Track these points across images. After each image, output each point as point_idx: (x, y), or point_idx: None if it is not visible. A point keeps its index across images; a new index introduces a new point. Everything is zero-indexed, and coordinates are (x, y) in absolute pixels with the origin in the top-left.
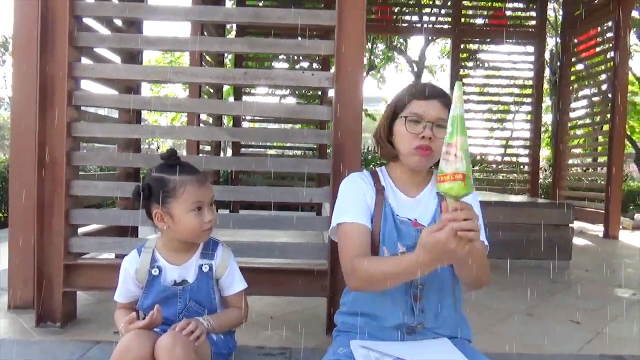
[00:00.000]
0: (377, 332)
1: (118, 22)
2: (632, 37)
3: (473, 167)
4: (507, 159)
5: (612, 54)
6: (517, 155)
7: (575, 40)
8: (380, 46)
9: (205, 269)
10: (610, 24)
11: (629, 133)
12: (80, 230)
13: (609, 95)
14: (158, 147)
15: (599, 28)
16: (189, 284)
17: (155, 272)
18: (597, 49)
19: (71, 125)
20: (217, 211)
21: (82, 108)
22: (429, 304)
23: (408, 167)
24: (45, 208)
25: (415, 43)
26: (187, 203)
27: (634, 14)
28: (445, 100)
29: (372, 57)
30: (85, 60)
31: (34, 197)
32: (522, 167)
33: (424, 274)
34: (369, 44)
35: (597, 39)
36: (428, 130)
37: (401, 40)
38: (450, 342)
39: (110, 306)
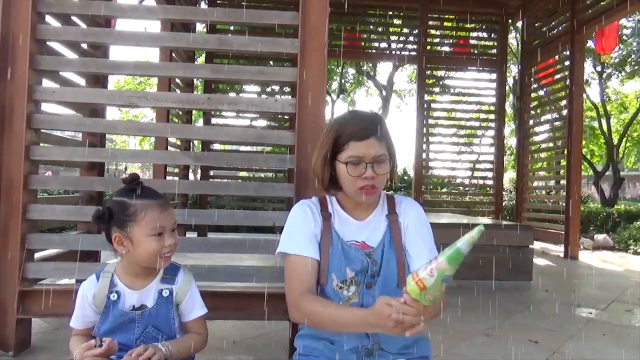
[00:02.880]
0: (337, 356)
1: (85, 45)
2: (589, 66)
3: (441, 189)
4: (474, 181)
5: (569, 81)
6: (484, 178)
7: (534, 69)
8: (351, 70)
9: (166, 293)
10: (567, 53)
11: (588, 156)
12: (41, 254)
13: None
14: (126, 168)
15: (556, 57)
16: (148, 309)
17: (113, 297)
18: (556, 76)
19: (30, 148)
20: (185, 235)
21: (47, 130)
22: None
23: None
24: (0, 233)
25: (384, 68)
26: (147, 227)
27: (589, 43)
28: (379, 134)
29: (342, 81)
30: (49, 83)
31: None
32: (487, 189)
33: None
34: (340, 69)
35: (555, 67)
36: (370, 170)
37: (370, 65)
38: None
39: (66, 334)
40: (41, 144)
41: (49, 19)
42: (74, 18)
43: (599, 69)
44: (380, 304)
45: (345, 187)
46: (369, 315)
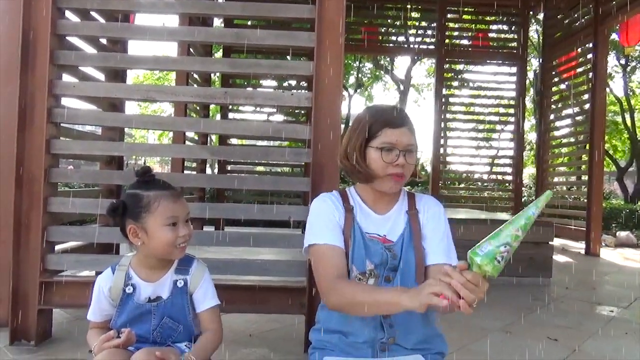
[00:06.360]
0: (351, 349)
1: (104, 40)
2: (613, 59)
3: (459, 185)
4: (492, 176)
5: (591, 75)
6: (502, 174)
7: (556, 62)
8: (368, 65)
9: (180, 284)
10: (590, 45)
11: (611, 152)
12: (62, 246)
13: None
14: (145, 162)
15: (579, 50)
16: (163, 300)
17: (129, 290)
18: (578, 70)
19: (50, 142)
20: (202, 228)
21: (68, 125)
22: (398, 318)
23: (380, 190)
24: (22, 225)
25: (402, 62)
26: (162, 217)
27: (613, 36)
28: (411, 125)
29: (359, 75)
30: (68, 78)
31: (12, 214)
32: (506, 185)
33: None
34: (357, 63)
35: (578, 60)
36: (402, 158)
37: (387, 59)
38: (423, 359)
39: (86, 324)
40: (61, 138)
41: (68, 14)
42: (93, 13)
43: (622, 62)
44: (435, 276)
45: (375, 172)
46: (411, 289)
